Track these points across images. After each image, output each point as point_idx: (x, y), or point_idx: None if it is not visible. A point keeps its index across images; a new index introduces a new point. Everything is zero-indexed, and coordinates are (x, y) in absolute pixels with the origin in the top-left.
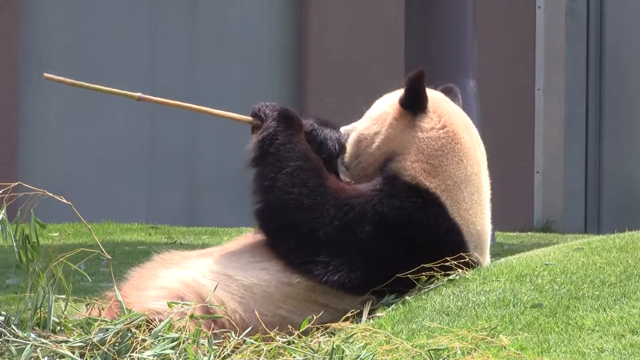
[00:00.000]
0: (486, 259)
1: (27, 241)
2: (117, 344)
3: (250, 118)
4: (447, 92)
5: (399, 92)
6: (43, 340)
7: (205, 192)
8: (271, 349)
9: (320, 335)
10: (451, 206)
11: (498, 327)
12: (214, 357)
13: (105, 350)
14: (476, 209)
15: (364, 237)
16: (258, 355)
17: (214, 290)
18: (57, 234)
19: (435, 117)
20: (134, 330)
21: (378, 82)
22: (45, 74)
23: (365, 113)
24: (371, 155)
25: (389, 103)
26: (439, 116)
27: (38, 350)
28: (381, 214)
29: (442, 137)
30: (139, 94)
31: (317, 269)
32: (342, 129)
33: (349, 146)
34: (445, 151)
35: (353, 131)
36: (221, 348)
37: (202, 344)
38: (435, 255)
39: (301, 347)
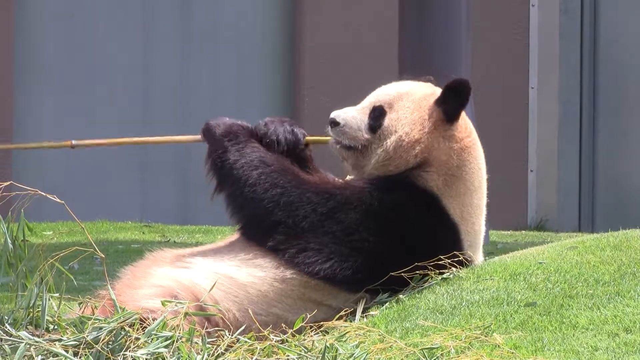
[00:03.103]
0: (479, 257)
1: (15, 241)
2: (110, 343)
3: (198, 137)
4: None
5: (419, 90)
6: (37, 339)
7: (198, 190)
8: (265, 348)
9: (314, 334)
10: (455, 208)
11: (492, 326)
12: (208, 355)
13: (99, 348)
14: (477, 211)
15: (349, 227)
16: (252, 354)
17: (211, 289)
18: (51, 232)
19: (463, 125)
20: (127, 328)
21: (372, 81)
22: None
23: (364, 100)
24: (405, 161)
25: (420, 105)
26: (465, 123)
27: (32, 349)
28: (368, 206)
29: (469, 146)
30: (71, 142)
31: (307, 259)
32: (337, 115)
33: (382, 150)
34: (470, 160)
35: (354, 118)
36: (215, 347)
37: (196, 343)
38: (430, 253)
39: (295, 345)
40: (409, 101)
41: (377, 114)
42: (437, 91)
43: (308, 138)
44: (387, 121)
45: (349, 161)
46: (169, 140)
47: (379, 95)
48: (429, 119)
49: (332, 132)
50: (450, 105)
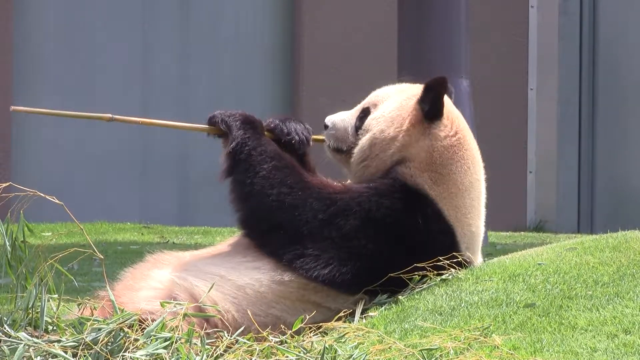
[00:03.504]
0: (478, 258)
1: (15, 242)
2: (109, 344)
3: (207, 127)
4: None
5: (409, 90)
6: (35, 340)
7: (197, 191)
8: (264, 349)
9: (313, 335)
10: (449, 210)
11: (491, 327)
12: (207, 356)
13: (98, 350)
14: (474, 212)
15: (349, 233)
16: (251, 355)
17: (209, 290)
18: (50, 233)
19: (448, 124)
20: (126, 330)
21: (371, 81)
22: (12, 107)
23: (359, 104)
24: (382, 161)
25: (402, 104)
26: (451, 122)
27: (31, 350)
28: (367, 212)
29: (454, 145)
30: (109, 115)
31: (306, 264)
32: (328, 119)
33: (357, 149)
34: (455, 159)
35: (343, 121)
36: (214, 348)
37: (195, 344)
38: (427, 256)
39: (294, 346)
40: (394, 101)
41: (363, 115)
42: None
43: (313, 136)
44: (367, 120)
45: (341, 164)
46: (186, 127)
47: (371, 97)
48: (408, 117)
49: (324, 135)
50: (428, 104)
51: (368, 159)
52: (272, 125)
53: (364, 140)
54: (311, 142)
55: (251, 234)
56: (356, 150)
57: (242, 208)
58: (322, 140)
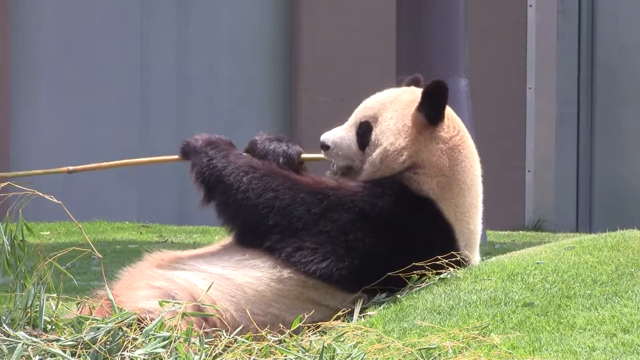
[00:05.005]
0: (476, 257)
1: (14, 241)
2: (108, 343)
3: (176, 157)
4: (416, 83)
5: (401, 97)
6: (34, 339)
7: (195, 191)
8: (262, 348)
9: (312, 334)
10: (449, 209)
11: (489, 326)
12: (205, 356)
13: (97, 349)
14: (472, 210)
15: (344, 227)
16: (249, 354)
17: (208, 289)
18: (48, 232)
19: (451, 125)
20: (125, 329)
21: (369, 81)
22: None
23: (351, 116)
24: (392, 169)
25: (404, 113)
26: (452, 122)
27: (29, 349)
28: (361, 210)
29: (459, 145)
30: (67, 168)
31: (304, 258)
32: (323, 137)
33: (368, 164)
34: (460, 159)
35: (343, 139)
36: (212, 347)
37: (194, 343)
38: (426, 255)
39: (292, 346)
40: (392, 111)
41: (364, 130)
42: (419, 96)
43: (303, 156)
44: (373, 135)
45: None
46: (154, 161)
47: (364, 110)
48: (413, 125)
49: (326, 155)
50: (430, 108)
51: (378, 170)
52: (249, 146)
53: (374, 156)
54: (297, 161)
55: (250, 244)
56: (366, 166)
57: (235, 226)
58: (317, 159)
